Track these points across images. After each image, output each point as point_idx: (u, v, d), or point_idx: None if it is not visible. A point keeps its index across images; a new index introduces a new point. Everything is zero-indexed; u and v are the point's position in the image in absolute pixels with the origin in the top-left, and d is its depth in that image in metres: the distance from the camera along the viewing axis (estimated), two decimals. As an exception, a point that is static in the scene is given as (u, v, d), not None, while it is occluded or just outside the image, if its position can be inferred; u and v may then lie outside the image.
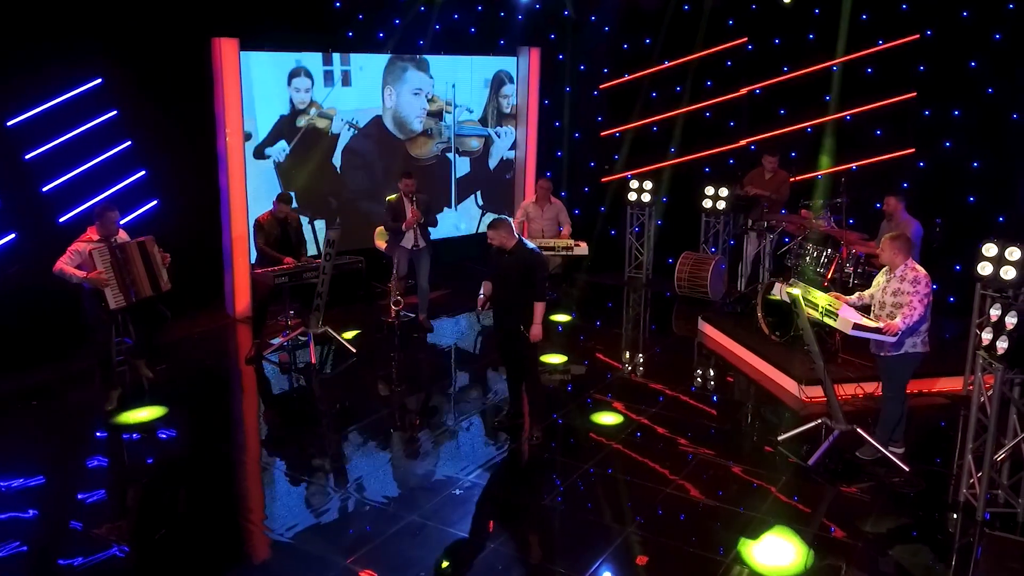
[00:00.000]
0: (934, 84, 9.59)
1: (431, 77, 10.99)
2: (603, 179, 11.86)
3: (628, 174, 11.49)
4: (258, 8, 9.31)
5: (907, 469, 6.12)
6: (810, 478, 6.12)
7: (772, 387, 7.82)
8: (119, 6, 8.33)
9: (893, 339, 5.80)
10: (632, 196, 11.21)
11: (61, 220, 8.28)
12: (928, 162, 9.74)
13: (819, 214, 8.35)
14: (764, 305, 8.51)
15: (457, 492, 5.83)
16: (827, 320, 5.99)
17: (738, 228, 9.66)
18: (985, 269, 7.30)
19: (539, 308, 6.22)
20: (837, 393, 7.40)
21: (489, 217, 11.56)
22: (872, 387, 7.39)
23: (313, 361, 8.12)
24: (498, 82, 11.71)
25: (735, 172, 10.61)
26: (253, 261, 8.43)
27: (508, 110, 11.83)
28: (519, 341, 6.36)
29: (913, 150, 9.78)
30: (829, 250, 8.20)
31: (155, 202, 8.97)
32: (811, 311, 6.12)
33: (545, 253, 9.86)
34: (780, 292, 6.48)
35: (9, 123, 7.83)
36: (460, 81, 11.30)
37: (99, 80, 8.39)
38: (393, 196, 9.04)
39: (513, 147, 11.99)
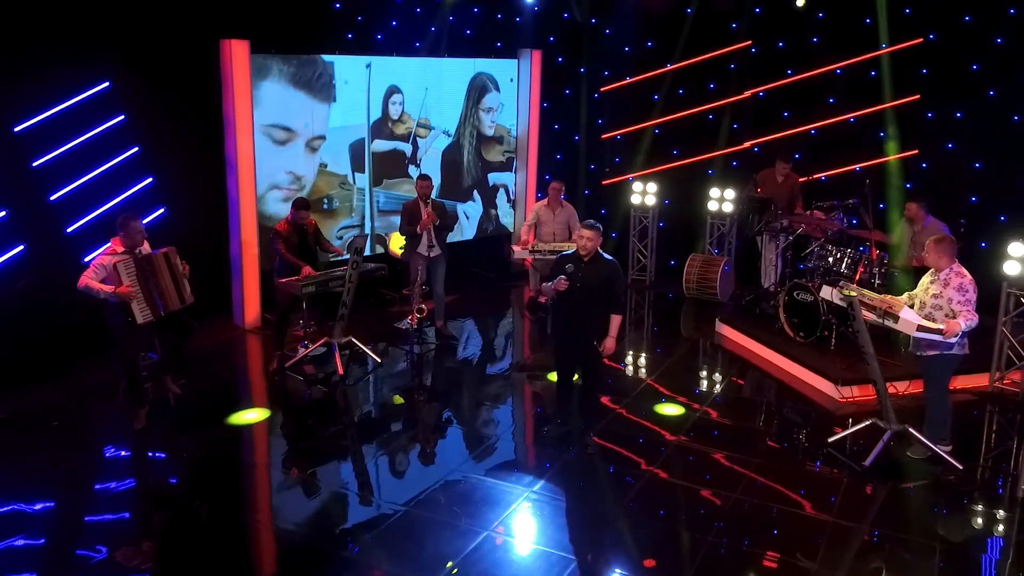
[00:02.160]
0: (937, 87, 9.80)
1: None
2: (604, 181, 11.84)
3: (629, 176, 11.50)
4: (264, 10, 9.03)
5: (960, 467, 6.22)
6: (868, 479, 6.16)
7: (804, 388, 7.86)
8: (126, 7, 7.98)
9: (954, 339, 5.89)
10: (636, 199, 11.22)
11: (69, 230, 7.91)
12: (931, 163, 9.95)
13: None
14: (787, 306, 8.57)
15: (527, 504, 5.71)
16: (887, 322, 6.03)
17: (751, 230, 9.72)
18: (1013, 269, 7.49)
19: (616, 321, 6.10)
20: (871, 392, 7.54)
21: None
22: (903, 386, 7.50)
23: (341, 372, 7.89)
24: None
25: (743, 174, 10.68)
26: (275, 270, 8.13)
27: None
28: (591, 354, 6.28)
29: (916, 151, 9.98)
30: (850, 250, 8.32)
31: (162, 210, 8.62)
32: (869, 313, 6.17)
33: (556, 257, 9.89)
34: (832, 295, 6.52)
35: (16, 129, 7.43)
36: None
37: (106, 83, 8.03)
38: (409, 200, 8.88)
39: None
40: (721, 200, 10.74)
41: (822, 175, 10.45)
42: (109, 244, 6.70)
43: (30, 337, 7.51)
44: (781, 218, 9.44)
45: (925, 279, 6.28)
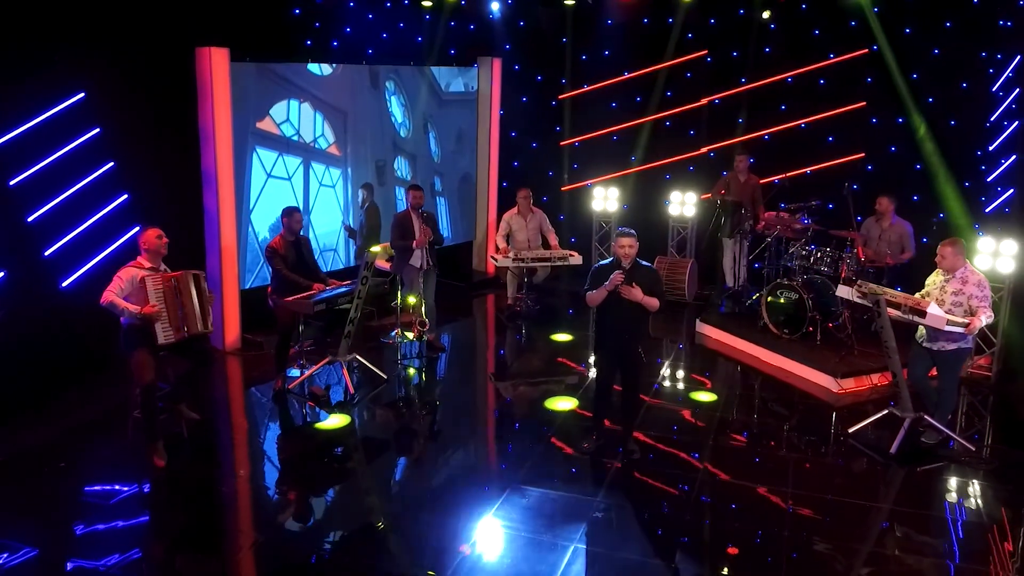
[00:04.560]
0: (881, 94, 10.48)
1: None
2: (563, 188, 11.98)
3: (588, 182, 11.70)
4: (234, 17, 8.63)
5: (972, 448, 6.73)
6: (897, 465, 6.56)
7: (799, 383, 8.21)
8: (101, 14, 7.44)
9: (973, 334, 6.37)
10: (598, 205, 11.41)
11: (47, 253, 7.29)
12: (876, 165, 10.65)
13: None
14: (770, 305, 8.95)
15: (598, 515, 5.74)
16: (915, 318, 6.44)
17: (724, 232, 10.10)
18: (983, 263, 8.13)
19: (655, 301, 6.16)
20: (864, 384, 8.06)
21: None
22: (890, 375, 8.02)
23: (351, 391, 7.64)
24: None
25: (700, 179, 11.07)
26: (273, 289, 7.76)
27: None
28: (635, 362, 6.39)
29: (863, 155, 10.66)
30: (828, 249, 8.79)
31: (137, 228, 8.05)
32: (893, 310, 6.56)
33: (540, 264, 9.99)
34: (851, 294, 6.89)
35: (-8, 146, 6.79)
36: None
37: (82, 94, 7.43)
38: (399, 211, 8.72)
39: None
40: (682, 204, 11.09)
41: (775, 178, 10.95)
42: (135, 259, 6.27)
43: (8, 370, 6.87)
44: (747, 219, 9.88)
45: (936, 278, 6.72)
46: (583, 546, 5.35)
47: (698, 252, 11.10)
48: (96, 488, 6.04)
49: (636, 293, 6.09)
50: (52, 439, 6.64)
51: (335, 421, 7.08)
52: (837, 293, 7.10)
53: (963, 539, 5.56)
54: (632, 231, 6.25)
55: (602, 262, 6.49)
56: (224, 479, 6.29)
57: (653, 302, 6.17)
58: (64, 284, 7.44)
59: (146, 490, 6.07)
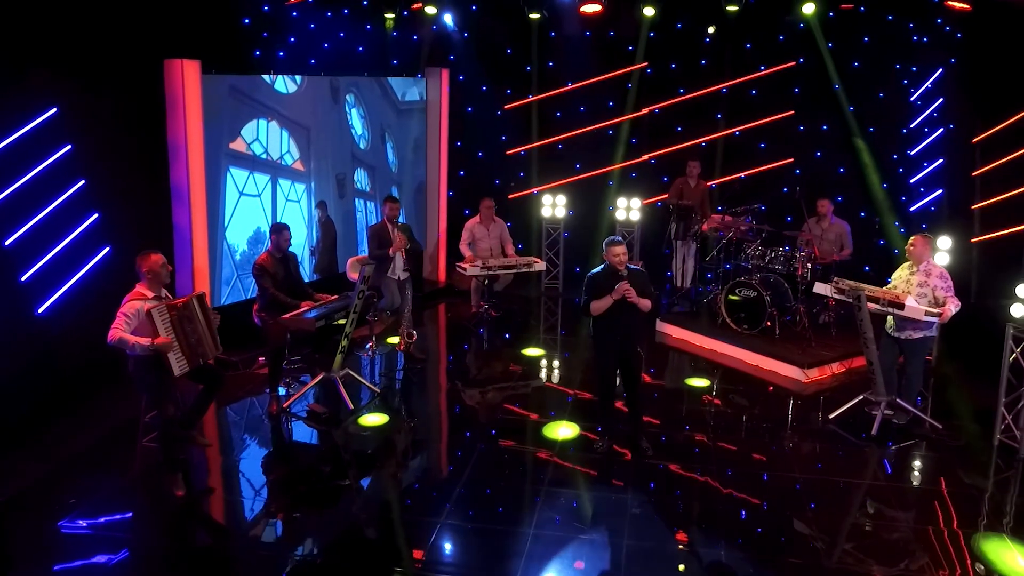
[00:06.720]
0: (807, 103, 11.30)
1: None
2: (510, 196, 12.20)
3: (535, 190, 11.97)
4: (211, 31, 8.42)
5: (940, 426, 7.42)
6: (877, 446, 7.15)
7: (766, 375, 8.75)
8: (71, 29, 7.10)
9: (946, 322, 7.05)
10: (547, 211, 11.70)
11: (23, 279, 6.87)
12: (803, 169, 11.46)
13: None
14: (728, 303, 9.49)
15: (637, 511, 6.00)
16: (894, 311, 7.05)
17: (680, 234, 10.60)
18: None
19: (648, 302, 6.50)
20: (826, 372, 8.71)
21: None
22: (848, 364, 8.72)
23: (350, 407, 7.58)
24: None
25: (642, 185, 11.57)
26: (261, 307, 7.56)
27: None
28: (638, 362, 6.72)
29: (791, 159, 11.44)
30: (782, 249, 9.42)
31: (107, 249, 7.70)
32: (872, 304, 7.16)
33: (506, 272, 10.19)
34: (829, 290, 7.45)
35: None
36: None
37: (54, 110, 7.05)
38: (374, 223, 8.74)
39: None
40: (628, 209, 11.53)
41: (712, 183, 11.59)
42: (134, 290, 6.00)
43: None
44: (697, 221, 10.43)
45: (903, 272, 7.37)
46: (636, 543, 5.58)
47: (657, 255, 11.52)
48: (114, 518, 5.78)
49: (644, 302, 6.44)
50: (52, 473, 6.28)
51: (374, 419, 7.26)
52: (815, 290, 7.67)
53: (940, 506, 6.15)
54: (619, 238, 6.58)
55: (594, 271, 6.67)
56: (245, 504, 6.15)
57: (647, 303, 6.51)
58: (40, 311, 7.04)
59: (167, 520, 5.86)
